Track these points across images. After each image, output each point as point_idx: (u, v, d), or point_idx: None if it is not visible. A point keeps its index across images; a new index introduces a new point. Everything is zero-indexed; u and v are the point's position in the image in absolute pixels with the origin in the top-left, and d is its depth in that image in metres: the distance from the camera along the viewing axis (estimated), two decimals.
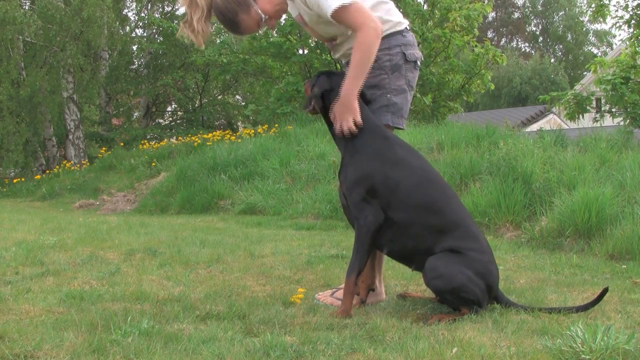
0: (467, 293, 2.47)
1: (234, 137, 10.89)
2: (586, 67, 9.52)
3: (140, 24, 21.09)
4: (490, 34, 44.27)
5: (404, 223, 2.56)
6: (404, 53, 2.77)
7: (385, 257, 2.89)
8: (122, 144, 16.67)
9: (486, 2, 13.39)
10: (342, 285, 2.74)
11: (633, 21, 9.95)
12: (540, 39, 46.79)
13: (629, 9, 10.13)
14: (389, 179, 2.57)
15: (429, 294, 2.86)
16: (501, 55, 13.35)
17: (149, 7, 20.93)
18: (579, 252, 4.22)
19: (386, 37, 2.74)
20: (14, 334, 2.15)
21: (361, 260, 2.58)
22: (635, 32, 9.68)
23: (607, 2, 10.18)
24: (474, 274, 2.48)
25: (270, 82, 14.45)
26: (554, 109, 18.97)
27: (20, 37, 14.81)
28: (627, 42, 9.97)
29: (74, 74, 16.05)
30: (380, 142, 2.63)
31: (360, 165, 2.61)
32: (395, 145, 2.65)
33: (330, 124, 2.78)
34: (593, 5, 10.18)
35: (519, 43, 47.96)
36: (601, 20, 10.33)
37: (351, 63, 2.62)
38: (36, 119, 16.36)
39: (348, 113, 2.61)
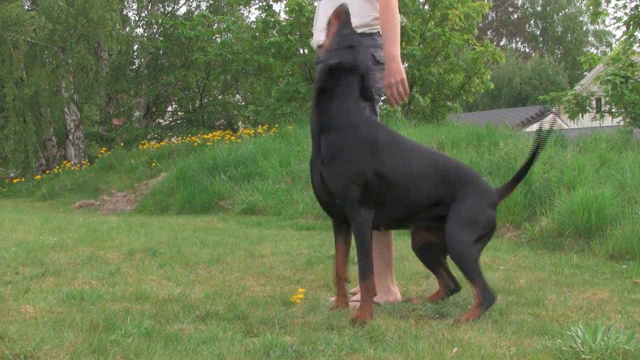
0: None
1: (234, 137, 10.89)
2: (578, 59, 9.54)
3: (141, 24, 21.10)
4: (490, 35, 44.23)
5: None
6: (373, 55, 2.77)
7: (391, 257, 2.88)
8: (122, 144, 16.66)
9: (486, 1, 13.39)
10: (355, 289, 2.73)
11: (632, 22, 9.94)
12: (540, 39, 46.77)
13: (628, 10, 10.12)
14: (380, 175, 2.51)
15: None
16: (500, 53, 13.36)
17: (149, 7, 20.92)
18: (579, 252, 4.22)
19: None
20: (14, 334, 2.14)
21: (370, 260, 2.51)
22: (631, 30, 9.68)
23: (605, 4, 10.19)
24: None
25: (271, 81, 14.45)
26: (554, 109, 18.97)
27: (23, 37, 14.80)
28: (624, 39, 9.98)
29: (74, 74, 16.05)
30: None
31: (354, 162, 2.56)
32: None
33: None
34: (591, 8, 10.18)
35: (518, 44, 47.97)
36: (600, 21, 10.34)
37: (385, 26, 2.72)
38: (41, 119, 16.39)
39: (398, 77, 2.72)
